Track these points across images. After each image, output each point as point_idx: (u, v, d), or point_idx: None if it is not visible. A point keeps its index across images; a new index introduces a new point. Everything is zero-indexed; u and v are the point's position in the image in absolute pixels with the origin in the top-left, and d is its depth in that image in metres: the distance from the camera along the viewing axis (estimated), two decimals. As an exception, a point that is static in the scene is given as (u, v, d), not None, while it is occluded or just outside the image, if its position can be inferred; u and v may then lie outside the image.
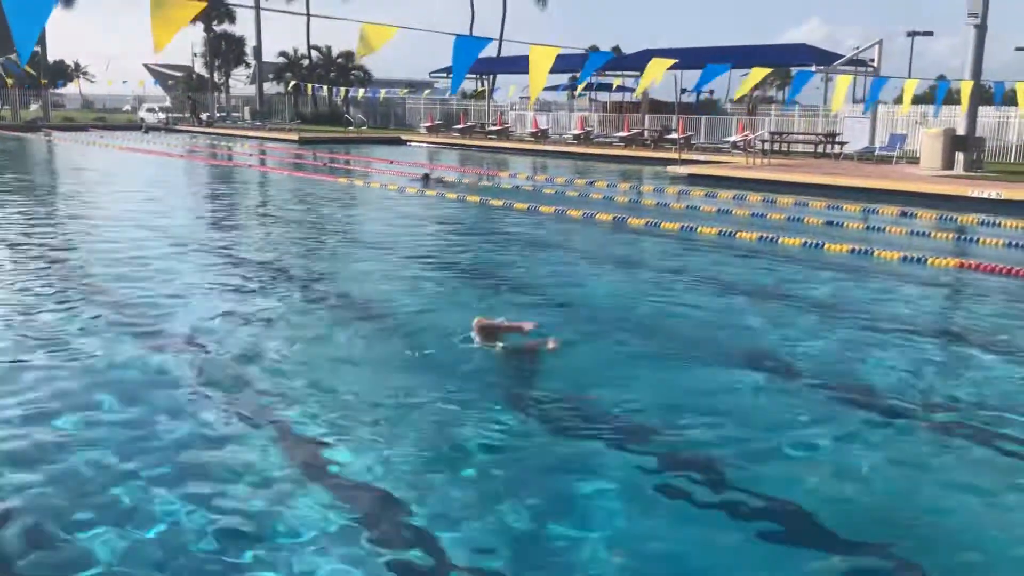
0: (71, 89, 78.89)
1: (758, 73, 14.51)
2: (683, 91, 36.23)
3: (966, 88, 19.09)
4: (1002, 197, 15.32)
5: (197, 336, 6.35)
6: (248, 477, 4.05)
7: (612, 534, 3.63)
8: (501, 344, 5.89)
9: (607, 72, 38.88)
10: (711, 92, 46.74)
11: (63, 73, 70.93)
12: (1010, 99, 21.82)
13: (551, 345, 5.86)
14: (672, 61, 13.71)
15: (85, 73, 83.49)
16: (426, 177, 19.14)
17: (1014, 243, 11.32)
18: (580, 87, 38.32)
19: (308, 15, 47.78)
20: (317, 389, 5.25)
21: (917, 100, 26.58)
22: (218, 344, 6.14)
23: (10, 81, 46.04)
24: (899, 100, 25.03)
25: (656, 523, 3.77)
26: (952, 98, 25.43)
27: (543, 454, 4.43)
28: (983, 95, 20.47)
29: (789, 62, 32.75)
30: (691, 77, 35.42)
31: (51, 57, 59.56)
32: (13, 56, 35.70)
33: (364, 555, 3.42)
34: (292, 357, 5.91)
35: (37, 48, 55.04)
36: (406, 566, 3.38)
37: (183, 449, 4.35)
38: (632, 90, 40.31)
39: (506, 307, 7.62)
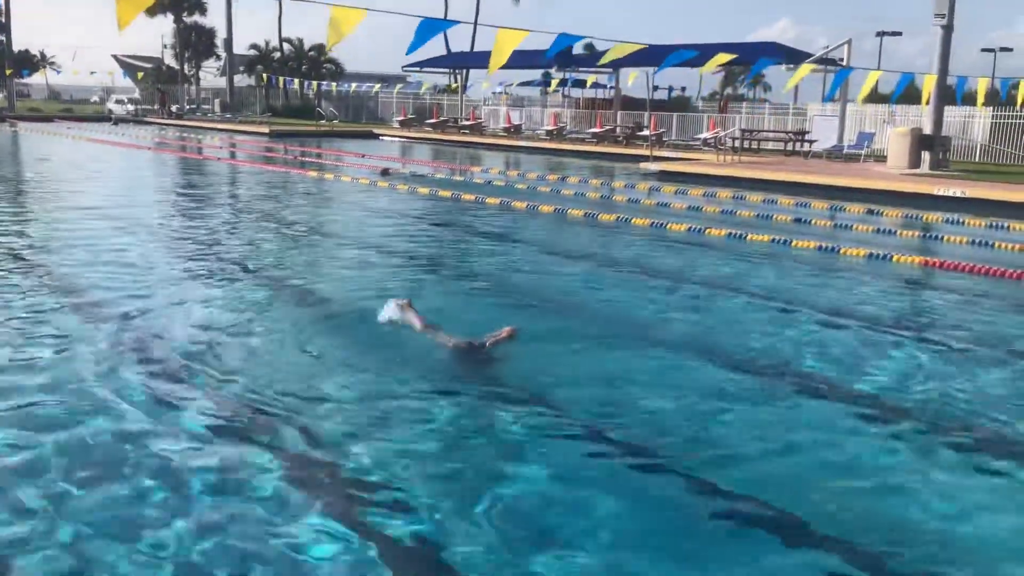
0: (37, 79, 77.64)
1: (722, 57, 14.69)
2: (655, 88, 36.40)
3: (929, 82, 19.36)
4: (966, 195, 15.58)
5: (161, 327, 6.31)
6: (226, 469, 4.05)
7: (589, 531, 3.66)
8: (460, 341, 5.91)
9: (581, 69, 38.98)
10: (683, 89, 47.04)
11: (29, 63, 69.66)
12: (970, 98, 22.19)
13: (504, 335, 5.86)
14: (639, 46, 13.80)
15: (51, 63, 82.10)
16: (386, 171, 19.76)
17: (977, 241, 11.51)
18: (554, 83, 38.40)
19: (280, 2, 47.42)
20: (280, 378, 5.24)
21: (884, 99, 26.92)
22: (182, 335, 6.11)
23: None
24: (868, 99, 25.32)
25: (623, 515, 3.81)
26: (914, 94, 25.73)
27: (510, 445, 4.46)
28: (946, 92, 20.79)
29: (759, 59, 33.07)
30: (662, 74, 35.59)
31: (16, 46, 58.50)
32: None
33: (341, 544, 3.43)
34: (255, 346, 5.89)
35: (1, 37, 54.11)
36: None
37: (136, 436, 4.33)
38: (605, 87, 40.42)
39: (473, 300, 7.64)
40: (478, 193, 15.68)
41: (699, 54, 15.91)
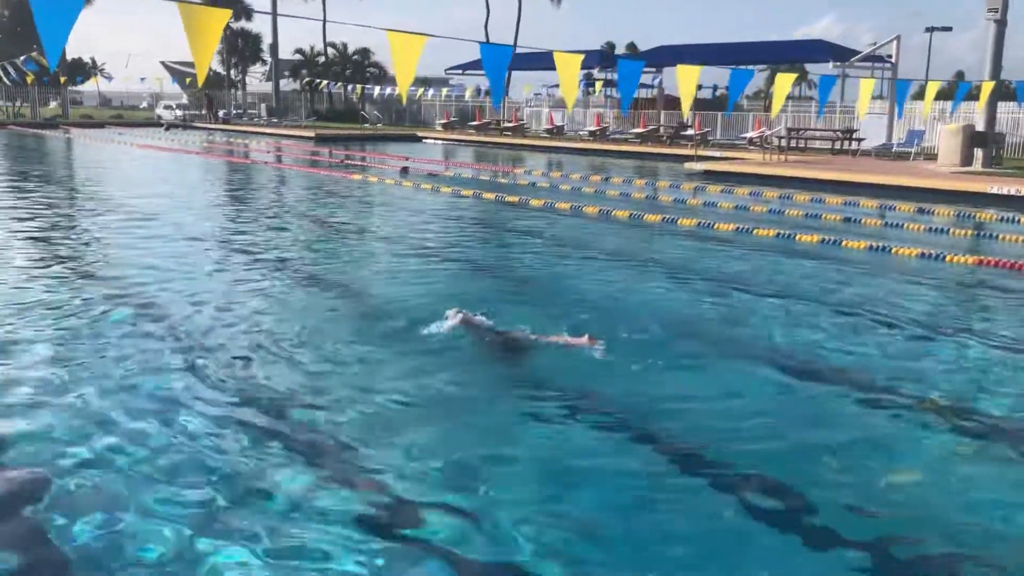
0: (89, 86, 79.44)
1: (784, 80, 14.46)
2: (699, 87, 36.04)
3: (987, 87, 18.96)
4: (1021, 194, 15.22)
5: (206, 326, 6.42)
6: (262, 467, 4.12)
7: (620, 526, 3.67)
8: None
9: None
10: (727, 88, 46.36)
11: (81, 70, 71.36)
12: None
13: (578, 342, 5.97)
14: (698, 69, 13.72)
15: (102, 70, 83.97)
16: (405, 169, 21.18)
17: (1034, 240, 11.25)
18: (598, 85, 38.23)
19: (324, 20, 48.11)
20: (320, 377, 5.31)
21: (936, 95, 26.30)
22: (230, 334, 6.21)
23: (30, 78, 46.41)
24: (917, 96, 24.81)
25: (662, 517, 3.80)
26: (971, 94, 25.18)
27: (543, 442, 4.47)
28: (1003, 91, 20.31)
29: (806, 58, 32.68)
30: (708, 73, 35.22)
31: (69, 54, 59.97)
32: (34, 54, 35.90)
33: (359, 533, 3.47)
34: (297, 344, 5.97)
35: (56, 46, 55.35)
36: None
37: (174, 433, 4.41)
38: (651, 87, 40.12)
39: (517, 302, 7.65)
40: (520, 194, 15.71)
41: (752, 72, 15.66)
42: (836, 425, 4.87)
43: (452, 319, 6.26)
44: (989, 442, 4.73)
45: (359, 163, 25.46)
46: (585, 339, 5.93)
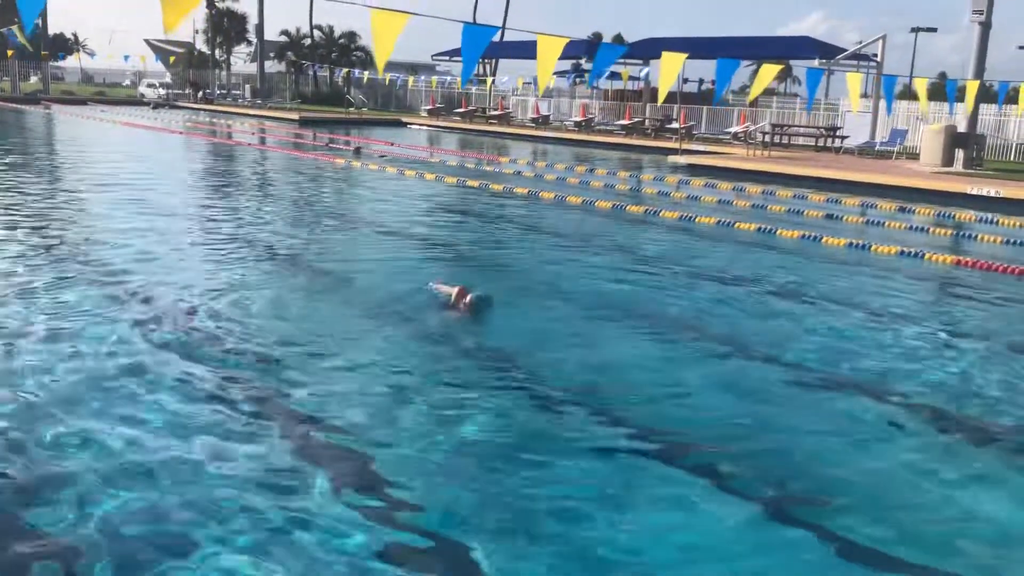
0: (71, 62, 78.49)
1: (768, 71, 14.46)
2: (685, 80, 36.07)
3: (971, 87, 19.10)
4: (1000, 195, 15.36)
5: (184, 305, 6.39)
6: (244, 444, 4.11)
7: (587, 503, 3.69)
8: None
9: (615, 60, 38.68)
10: (712, 82, 46.44)
11: (63, 46, 70.49)
12: (1011, 99, 21.86)
13: (467, 299, 6.44)
14: (683, 56, 13.67)
15: (84, 47, 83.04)
16: (357, 150, 22.34)
17: (1011, 241, 11.36)
18: (596, 80, 38.19)
19: (311, 1, 47.69)
20: (285, 346, 5.31)
21: (917, 96, 26.43)
22: (207, 311, 6.19)
23: (10, 52, 45.79)
24: (900, 96, 24.94)
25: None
26: (957, 96, 25.37)
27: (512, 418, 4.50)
28: (986, 93, 20.47)
29: (792, 54, 32.72)
30: (693, 66, 35.22)
31: (51, 30, 59.19)
32: (14, 27, 35.40)
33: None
34: (266, 316, 5.96)
35: (38, 20, 54.65)
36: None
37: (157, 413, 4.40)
38: (638, 79, 40.06)
39: (503, 290, 7.66)
40: (507, 183, 15.69)
41: (739, 62, 15.58)
42: (797, 411, 4.92)
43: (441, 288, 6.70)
44: (944, 430, 4.79)
45: (343, 147, 25.35)
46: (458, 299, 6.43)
